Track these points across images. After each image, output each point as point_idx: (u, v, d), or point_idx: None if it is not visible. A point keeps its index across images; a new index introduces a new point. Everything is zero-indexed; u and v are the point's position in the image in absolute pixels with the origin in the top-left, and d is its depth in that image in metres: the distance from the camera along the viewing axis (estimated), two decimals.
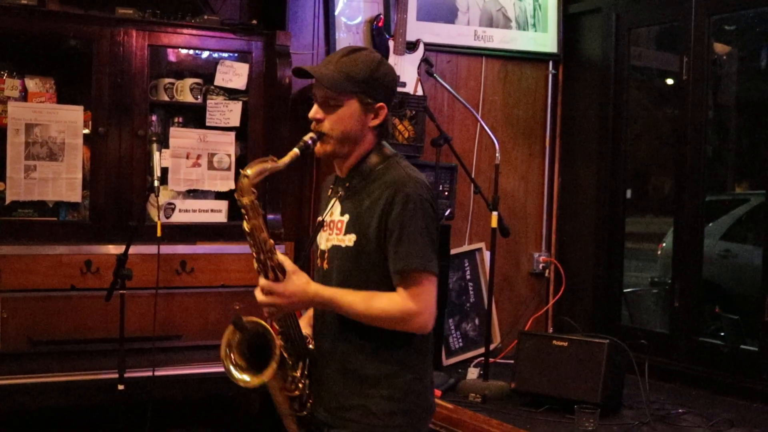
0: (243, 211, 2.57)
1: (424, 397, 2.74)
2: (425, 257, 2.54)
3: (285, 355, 2.66)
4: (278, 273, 2.57)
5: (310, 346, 2.76)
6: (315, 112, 2.65)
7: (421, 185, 2.61)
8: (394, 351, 2.64)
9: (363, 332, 2.60)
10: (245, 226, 2.59)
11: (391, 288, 2.57)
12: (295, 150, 2.59)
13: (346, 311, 2.59)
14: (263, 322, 2.64)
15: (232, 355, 2.67)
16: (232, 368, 2.66)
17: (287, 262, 2.59)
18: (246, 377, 2.65)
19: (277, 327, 2.65)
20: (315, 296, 2.59)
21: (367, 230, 2.60)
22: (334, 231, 2.70)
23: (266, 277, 2.58)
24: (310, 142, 2.61)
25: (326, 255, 2.72)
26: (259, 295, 2.58)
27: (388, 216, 2.56)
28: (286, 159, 2.58)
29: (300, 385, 2.72)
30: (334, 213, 2.72)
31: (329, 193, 2.80)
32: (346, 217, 2.67)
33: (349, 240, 2.64)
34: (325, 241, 2.73)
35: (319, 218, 2.80)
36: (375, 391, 2.62)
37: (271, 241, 2.60)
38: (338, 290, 2.63)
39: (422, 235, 2.55)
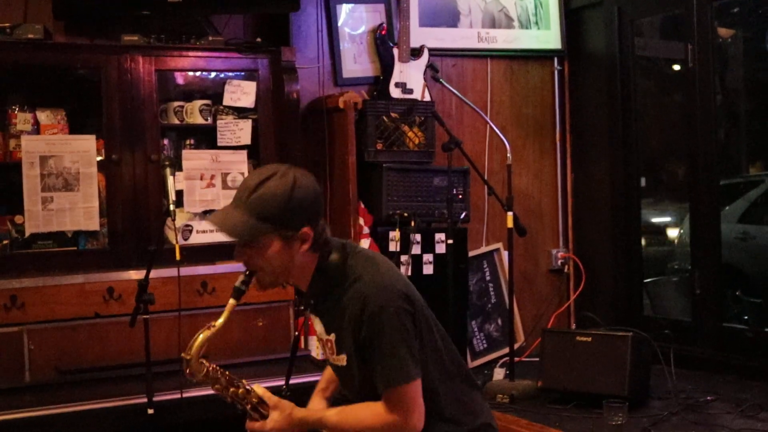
0: (202, 379, 2.64)
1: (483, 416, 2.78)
2: (401, 370, 2.51)
3: None
4: (261, 410, 2.66)
5: None
6: (238, 255, 2.61)
7: (385, 289, 2.56)
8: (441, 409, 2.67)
9: None
10: (218, 392, 2.68)
11: None
12: (231, 300, 2.61)
13: (334, 428, 2.66)
14: None
15: None
16: None
17: (267, 396, 2.67)
18: None
19: None
20: (300, 422, 2.67)
21: (351, 351, 2.61)
22: (328, 350, 2.73)
23: (251, 417, 2.66)
24: (243, 286, 2.61)
25: (336, 371, 2.81)
26: None
27: (360, 336, 2.55)
28: (224, 316, 2.62)
29: None
30: (319, 330, 2.74)
31: (301, 305, 2.85)
32: (333, 336, 2.68)
33: (342, 360, 2.66)
34: (328, 355, 2.75)
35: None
36: None
37: (243, 385, 2.68)
38: (324, 411, 2.74)
39: (394, 347, 2.51)
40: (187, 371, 2.63)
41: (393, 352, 2.51)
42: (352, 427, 2.62)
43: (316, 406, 2.87)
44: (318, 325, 2.75)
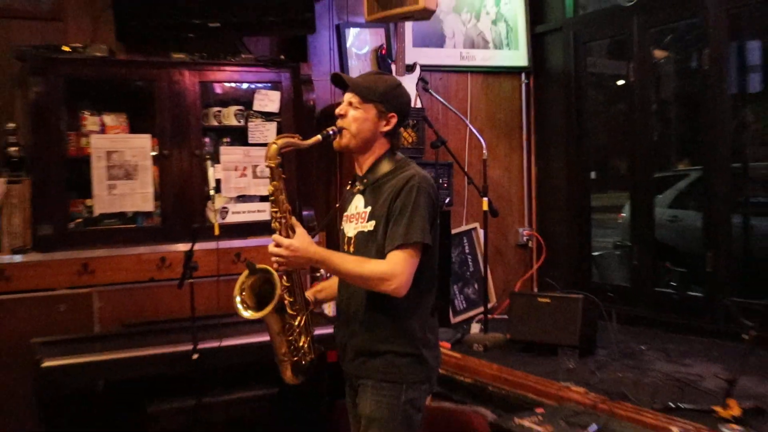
0: (269, 173, 2.60)
1: (434, 350, 2.73)
2: (413, 229, 2.51)
3: (286, 303, 2.66)
4: (290, 232, 2.59)
5: (311, 307, 2.77)
6: (341, 109, 2.68)
7: (423, 179, 2.62)
8: (408, 317, 2.63)
9: (384, 303, 2.59)
10: (269, 188, 2.62)
11: None
12: (318, 136, 2.64)
13: (336, 267, 2.59)
14: (271, 269, 2.64)
15: (242, 294, 2.69)
16: (239, 305, 2.67)
17: (298, 226, 2.61)
18: (249, 313, 2.65)
19: (285, 282, 2.65)
20: (314, 254, 2.56)
21: (381, 217, 2.60)
22: (359, 221, 2.69)
23: (278, 230, 2.60)
24: (331, 132, 2.64)
25: (352, 240, 2.71)
26: (270, 246, 2.56)
27: (394, 202, 2.57)
28: (310, 141, 2.64)
29: (296, 332, 2.72)
30: (359, 206, 2.72)
31: (349, 188, 2.82)
32: (369, 209, 2.67)
33: (370, 225, 2.64)
34: (352, 229, 2.72)
35: (345, 213, 2.80)
36: (395, 345, 2.62)
37: (288, 205, 2.62)
38: (334, 252, 2.66)
39: (419, 211, 2.54)
40: (266, 153, 2.61)
41: (413, 219, 2.53)
42: (350, 268, 2.57)
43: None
44: (358, 202, 2.73)
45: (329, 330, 2.91)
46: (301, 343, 2.74)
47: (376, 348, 2.64)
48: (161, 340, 4.00)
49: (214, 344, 3.79)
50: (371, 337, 2.65)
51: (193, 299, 3.80)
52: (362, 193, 2.73)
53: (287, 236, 2.57)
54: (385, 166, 2.69)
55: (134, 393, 3.97)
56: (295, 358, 2.76)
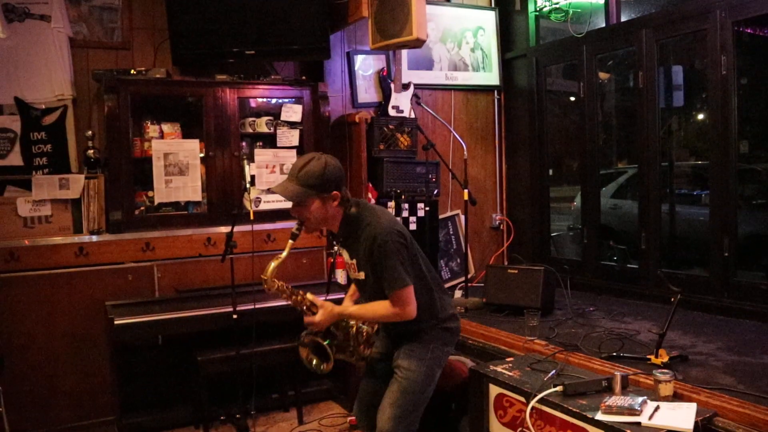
0: (275, 292, 2.72)
1: (455, 321, 2.89)
2: (399, 279, 2.59)
3: (333, 347, 2.82)
4: (312, 309, 2.73)
5: (352, 324, 2.92)
6: (293, 211, 2.69)
7: (386, 229, 2.63)
8: (427, 313, 2.78)
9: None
10: (285, 300, 2.75)
11: None
12: (290, 241, 2.69)
13: (358, 317, 2.79)
14: (318, 339, 2.81)
15: (313, 361, 2.85)
16: (315, 369, 2.84)
17: (316, 300, 2.74)
18: (323, 367, 2.82)
19: (322, 338, 2.81)
20: (337, 315, 2.74)
21: (368, 269, 2.68)
22: (352, 269, 2.79)
23: (305, 314, 2.74)
24: (296, 231, 2.69)
25: (356, 283, 2.86)
26: (306, 321, 2.74)
27: (372, 259, 2.63)
28: (286, 251, 2.70)
29: (351, 350, 2.92)
30: (346, 257, 2.80)
31: (333, 241, 2.93)
32: (355, 260, 2.74)
33: (361, 275, 2.74)
34: (352, 274, 2.82)
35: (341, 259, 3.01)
36: (424, 324, 2.78)
37: (300, 294, 2.74)
38: (352, 306, 2.81)
39: (395, 262, 2.59)
40: (265, 286, 2.70)
41: (393, 268, 2.59)
42: (369, 313, 2.72)
43: (347, 304, 2.93)
44: (345, 254, 2.79)
45: (341, 295, 2.97)
46: (359, 349, 2.94)
47: (410, 331, 2.79)
48: (207, 303, 4.00)
49: (250, 306, 3.78)
50: (405, 329, 2.78)
51: (233, 271, 3.80)
52: (344, 246, 2.80)
53: (312, 313, 2.73)
54: (350, 223, 2.71)
55: (186, 345, 3.98)
56: (360, 361, 2.97)
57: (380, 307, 2.66)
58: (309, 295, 2.75)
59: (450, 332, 2.83)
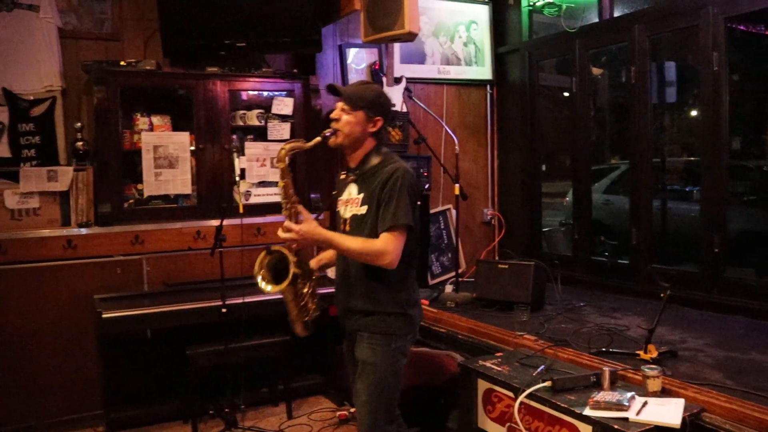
0: (280, 172, 2.57)
1: (417, 309, 2.73)
2: (401, 214, 2.50)
3: (297, 276, 2.62)
4: (297, 218, 2.57)
5: (315, 275, 2.75)
6: (335, 113, 2.63)
7: (406, 171, 2.59)
8: (397, 284, 2.62)
9: (377, 273, 2.57)
10: (279, 183, 2.59)
11: None
12: (318, 138, 2.60)
13: (339, 246, 2.58)
14: (284, 250, 2.61)
15: (261, 271, 2.64)
16: (260, 280, 2.63)
17: (304, 211, 2.58)
18: (269, 287, 2.62)
19: (294, 258, 2.60)
20: (320, 236, 2.55)
21: (372, 203, 2.58)
22: (353, 205, 2.66)
23: (288, 217, 2.57)
24: (328, 134, 2.61)
25: (348, 221, 2.68)
26: (280, 232, 2.54)
27: (383, 190, 2.54)
28: (312, 142, 2.60)
29: (305, 298, 2.71)
30: (352, 193, 2.68)
31: (343, 177, 2.77)
32: (362, 195, 2.63)
33: (363, 209, 2.61)
34: (348, 211, 2.68)
35: (339, 198, 2.76)
36: (387, 306, 2.62)
37: (296, 197, 2.59)
38: (335, 233, 2.63)
39: (405, 198, 2.51)
40: (277, 156, 2.60)
41: (399, 205, 2.51)
42: (350, 245, 2.54)
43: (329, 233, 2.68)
44: (352, 189, 2.68)
45: (332, 290, 2.87)
46: (308, 306, 2.73)
47: (372, 309, 2.63)
48: (197, 296, 3.97)
49: (239, 300, 3.76)
50: (367, 300, 2.63)
51: (222, 264, 3.77)
52: (355, 182, 2.68)
53: (296, 222, 2.55)
54: (374, 160, 2.64)
55: (175, 339, 3.95)
56: (306, 318, 2.74)
57: (365, 242, 2.52)
58: (300, 206, 2.62)
59: (411, 320, 2.68)
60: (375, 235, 2.53)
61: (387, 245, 2.49)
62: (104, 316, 3.70)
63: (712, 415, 2.54)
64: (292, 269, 2.57)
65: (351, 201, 2.67)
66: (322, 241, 2.57)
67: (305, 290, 2.70)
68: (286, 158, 2.57)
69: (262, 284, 2.62)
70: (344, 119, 2.60)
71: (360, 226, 2.61)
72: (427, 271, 5.23)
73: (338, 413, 4.10)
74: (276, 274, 2.63)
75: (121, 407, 3.95)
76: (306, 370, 4.50)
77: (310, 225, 2.54)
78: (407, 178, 2.55)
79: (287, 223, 2.54)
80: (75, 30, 4.38)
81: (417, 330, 2.75)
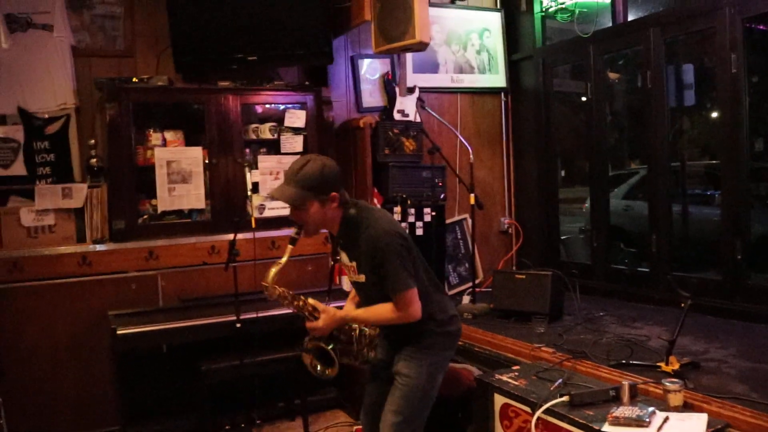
0: (276, 297, 2.66)
1: (454, 325, 2.80)
2: (402, 281, 2.53)
3: (337, 351, 2.75)
4: (314, 314, 2.67)
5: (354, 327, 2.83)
6: (291, 215, 2.63)
7: (388, 232, 2.56)
8: (427, 315, 2.67)
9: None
10: (287, 307, 2.69)
11: None
12: (289, 246, 2.64)
13: (363, 321, 2.72)
14: (321, 344, 2.74)
15: (315, 365, 2.78)
16: (319, 371, 2.78)
17: (318, 305, 2.68)
18: (327, 372, 2.75)
19: (330, 346, 2.74)
20: (341, 320, 2.69)
21: (368, 272, 2.61)
22: (351, 272, 2.71)
23: (308, 319, 2.67)
24: (295, 235, 2.63)
25: (356, 286, 2.78)
26: (309, 330, 2.69)
27: (374, 261, 2.56)
28: (285, 256, 2.64)
29: (355, 354, 2.83)
30: (344, 260, 2.73)
31: (338, 246, 2.80)
32: (354, 263, 2.66)
33: (362, 278, 2.66)
34: (352, 277, 2.74)
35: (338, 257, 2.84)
36: (424, 329, 2.70)
37: (302, 299, 2.67)
38: (355, 311, 2.74)
39: (397, 265, 2.52)
40: (266, 293, 2.64)
41: (396, 271, 2.52)
42: (374, 316, 2.64)
43: (349, 308, 2.85)
44: (344, 256, 2.72)
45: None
46: (360, 357, 2.84)
47: (407, 332, 2.70)
48: (211, 312, 3.96)
49: (253, 315, 3.75)
50: (405, 334, 2.71)
51: (236, 279, 3.75)
52: (343, 248, 2.72)
53: (314, 318, 2.66)
54: (349, 225, 2.63)
55: (190, 354, 3.93)
56: (362, 364, 2.87)
57: (384, 310, 2.60)
58: (311, 300, 2.69)
59: (450, 336, 2.76)
60: (380, 295, 2.61)
61: (402, 308, 2.57)
62: (119, 332, 3.69)
63: (738, 431, 2.44)
64: (336, 360, 2.72)
65: (349, 267, 2.72)
66: (346, 321, 2.72)
67: (355, 348, 2.82)
68: (276, 287, 2.65)
69: (320, 373, 2.78)
70: (302, 217, 2.59)
71: (365, 291, 2.71)
72: (444, 282, 5.17)
73: (355, 427, 4.05)
74: (324, 359, 2.78)
75: (136, 423, 3.94)
76: (322, 384, 4.45)
77: (328, 315, 2.66)
78: (390, 241, 2.53)
79: (309, 326, 2.68)
80: (88, 48, 4.41)
81: (455, 345, 2.82)
